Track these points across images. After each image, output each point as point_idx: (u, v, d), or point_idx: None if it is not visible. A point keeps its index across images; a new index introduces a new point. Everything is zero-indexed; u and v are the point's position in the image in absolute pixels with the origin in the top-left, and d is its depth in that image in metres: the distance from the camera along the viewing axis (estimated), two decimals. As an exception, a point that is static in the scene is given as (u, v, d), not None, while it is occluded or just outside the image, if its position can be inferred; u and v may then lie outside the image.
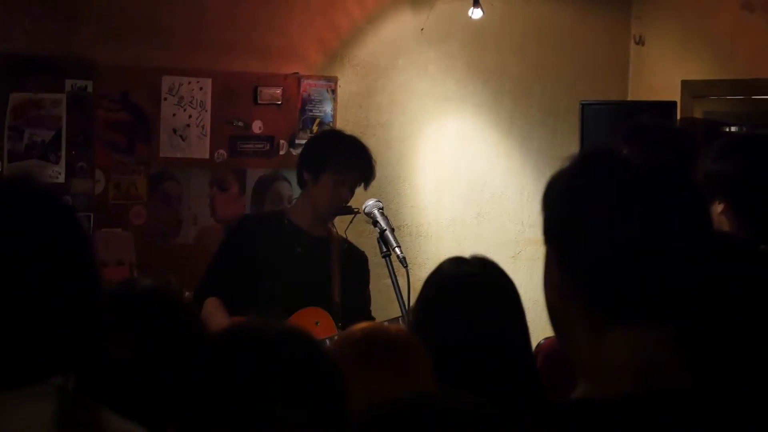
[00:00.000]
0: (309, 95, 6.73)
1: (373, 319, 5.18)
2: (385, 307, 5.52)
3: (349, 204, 5.19)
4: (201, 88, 6.42)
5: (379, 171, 6.15)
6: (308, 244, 5.16)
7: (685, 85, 7.39)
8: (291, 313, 4.99)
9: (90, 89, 6.11)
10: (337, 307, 5.12)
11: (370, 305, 5.29)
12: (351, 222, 5.23)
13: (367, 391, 2.43)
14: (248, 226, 5.30)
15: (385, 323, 4.89)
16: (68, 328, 1.84)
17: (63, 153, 6.04)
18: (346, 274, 5.17)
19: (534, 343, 3.42)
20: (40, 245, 1.85)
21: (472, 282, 3.05)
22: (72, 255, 1.88)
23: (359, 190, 5.23)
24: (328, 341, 4.87)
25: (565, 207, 1.68)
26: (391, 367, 2.55)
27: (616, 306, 1.63)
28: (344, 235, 5.30)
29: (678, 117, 6.93)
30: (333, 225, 5.34)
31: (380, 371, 2.53)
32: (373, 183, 6.84)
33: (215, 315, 4.94)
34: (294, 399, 1.93)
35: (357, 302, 5.17)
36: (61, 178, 6.02)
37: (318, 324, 5.01)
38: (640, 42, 7.77)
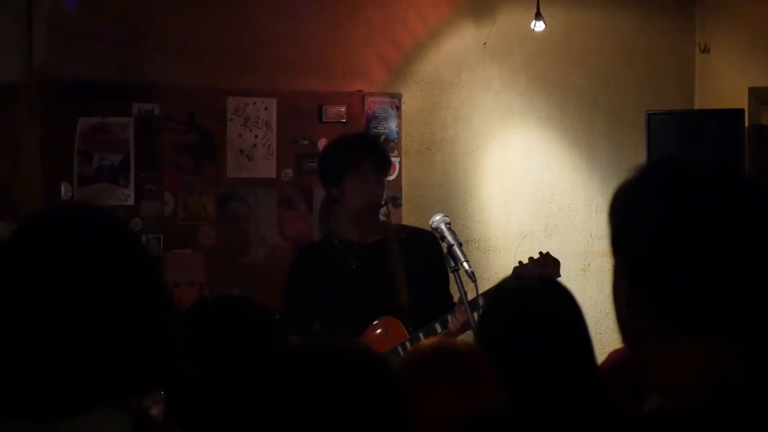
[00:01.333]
0: (373, 112, 6.74)
1: (452, 301, 5.13)
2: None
3: (382, 198, 5.17)
4: (266, 108, 6.46)
5: (445, 186, 6.19)
6: (362, 254, 5.15)
7: (753, 92, 7.32)
8: (364, 329, 4.99)
9: (156, 112, 6.17)
10: (406, 309, 5.08)
11: (447, 285, 5.15)
12: (387, 215, 5.22)
13: (437, 408, 2.43)
14: (303, 258, 5.30)
15: (436, 325, 4.91)
16: (140, 350, 1.86)
17: (132, 176, 6.10)
18: (410, 268, 5.11)
19: (605, 355, 3.41)
20: (108, 269, 1.87)
21: (534, 296, 3.05)
22: (139, 278, 1.90)
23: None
24: (399, 348, 4.88)
25: (631, 218, 1.67)
26: (460, 384, 2.55)
27: (687, 317, 1.61)
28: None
29: (746, 125, 6.87)
30: (388, 219, 5.32)
31: (449, 388, 2.53)
32: (440, 198, 6.86)
33: None
34: (356, 418, 1.94)
35: (428, 294, 5.11)
36: (131, 201, 6.07)
37: (389, 333, 5.01)
38: (706, 50, 7.71)
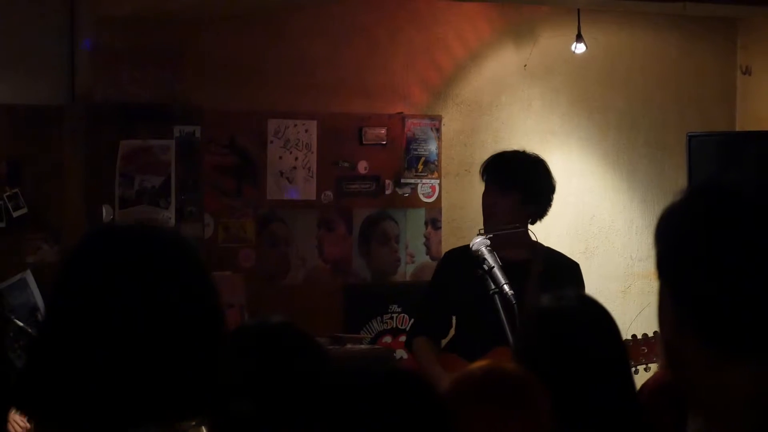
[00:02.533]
0: (413, 134, 6.75)
1: None
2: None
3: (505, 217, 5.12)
4: (306, 130, 6.48)
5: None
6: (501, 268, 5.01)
7: (794, 114, 7.28)
8: (486, 351, 4.83)
9: (197, 134, 6.21)
10: None
11: None
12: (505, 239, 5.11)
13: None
14: (447, 261, 5.30)
15: None
16: (196, 372, 1.87)
17: (173, 198, 6.13)
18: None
19: (645, 378, 3.39)
20: (172, 289, 1.89)
21: (572, 316, 3.03)
22: (200, 299, 1.92)
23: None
24: None
25: (678, 242, 1.66)
26: (512, 408, 2.53)
27: (737, 341, 1.60)
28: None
29: (788, 146, 6.83)
30: (540, 244, 5.22)
31: (501, 412, 2.52)
32: (480, 220, 6.82)
33: (421, 355, 5.00)
34: None
35: None
36: (172, 223, 6.11)
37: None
38: (747, 72, 7.68)
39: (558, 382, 2.84)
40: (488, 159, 5.29)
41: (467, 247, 5.45)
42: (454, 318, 5.17)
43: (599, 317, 3.06)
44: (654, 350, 5.00)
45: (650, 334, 5.03)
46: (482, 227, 5.09)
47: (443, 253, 5.49)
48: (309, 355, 2.57)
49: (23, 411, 1.92)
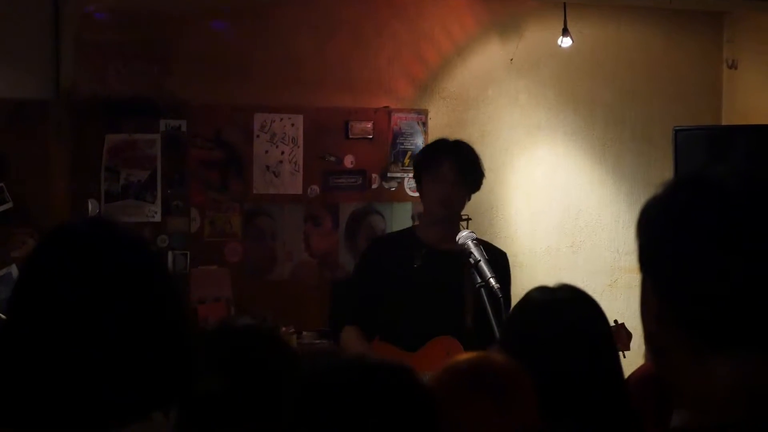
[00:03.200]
0: (400, 128, 6.75)
1: None
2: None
3: (455, 207, 5.09)
4: (293, 125, 6.47)
5: (471, 202, 6.12)
6: (428, 256, 5.05)
7: (781, 108, 7.29)
8: (424, 337, 4.90)
9: (183, 129, 6.20)
10: (469, 333, 4.97)
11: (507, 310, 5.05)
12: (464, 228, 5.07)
13: (474, 424, 2.42)
14: (375, 247, 5.27)
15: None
16: (160, 365, 1.87)
17: (159, 192, 6.12)
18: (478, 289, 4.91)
19: (631, 370, 3.39)
20: (128, 284, 1.88)
21: (560, 309, 3.03)
22: (160, 294, 1.91)
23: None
24: None
25: (660, 234, 1.66)
26: (498, 402, 2.53)
27: (719, 333, 1.60)
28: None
29: (774, 140, 6.84)
30: (471, 234, 5.18)
31: (487, 406, 2.51)
32: (466, 214, 6.83)
33: (351, 344, 4.92)
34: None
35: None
36: (158, 217, 6.10)
37: (449, 354, 4.94)
38: (733, 66, 7.68)
39: (546, 373, 2.84)
40: (448, 149, 5.12)
41: (395, 234, 5.48)
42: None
43: (587, 308, 3.06)
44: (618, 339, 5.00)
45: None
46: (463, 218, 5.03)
47: (369, 241, 5.43)
48: (278, 355, 2.57)
49: None
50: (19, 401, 1.84)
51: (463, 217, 5.12)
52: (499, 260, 5.04)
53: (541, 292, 3.08)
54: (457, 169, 5.04)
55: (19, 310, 1.91)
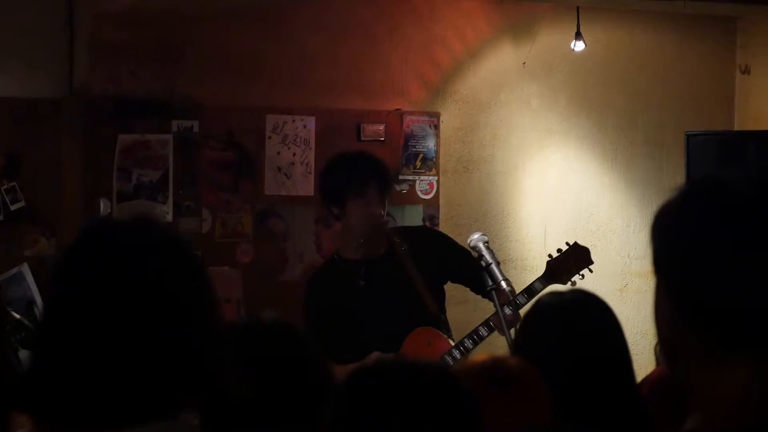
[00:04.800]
0: (412, 131, 6.75)
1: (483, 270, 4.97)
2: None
3: (384, 217, 5.09)
4: (305, 126, 6.47)
5: (482, 205, 6.17)
6: (367, 271, 5.06)
7: (793, 113, 7.28)
8: (396, 342, 4.91)
9: (196, 129, 6.20)
10: (437, 316, 5.01)
11: (471, 261, 4.87)
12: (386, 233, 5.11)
13: (489, 422, 2.42)
14: (312, 287, 5.22)
15: (482, 328, 4.86)
16: (190, 363, 1.87)
17: (170, 192, 6.12)
18: (425, 272, 5.02)
19: (642, 375, 3.39)
20: (168, 284, 1.89)
21: (574, 312, 3.04)
22: (193, 292, 1.92)
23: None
24: (448, 357, 4.84)
25: (674, 239, 1.66)
26: (513, 401, 2.54)
27: (733, 337, 1.60)
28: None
29: (786, 146, 6.83)
30: (387, 230, 5.19)
31: (502, 406, 2.52)
32: (478, 217, 6.85)
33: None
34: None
35: (470, 277, 4.99)
36: (169, 218, 6.10)
37: (431, 343, 4.96)
38: (746, 71, 7.67)
39: (559, 376, 2.85)
40: (368, 169, 5.05)
41: (325, 267, 5.37)
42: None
43: (600, 312, 3.07)
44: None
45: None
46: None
47: (308, 283, 5.33)
48: (304, 355, 2.57)
49: (26, 412, 1.92)
50: (49, 396, 1.85)
51: (387, 223, 5.14)
52: (421, 238, 5.13)
53: (554, 296, 3.10)
54: (382, 187, 5.02)
55: (55, 307, 1.91)
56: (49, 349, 1.88)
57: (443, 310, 5.10)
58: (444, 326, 5.06)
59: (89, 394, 1.83)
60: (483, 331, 4.90)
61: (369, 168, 5.05)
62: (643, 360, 5.96)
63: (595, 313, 3.05)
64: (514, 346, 3.23)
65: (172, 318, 1.87)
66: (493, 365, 2.66)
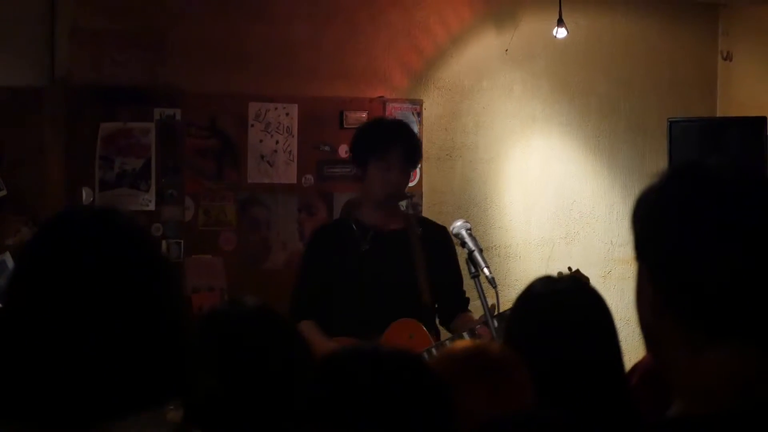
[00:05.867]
0: (394, 118, 6.74)
1: (467, 300, 5.11)
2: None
3: (405, 189, 5.12)
4: (287, 114, 6.46)
5: (465, 192, 6.16)
6: (374, 238, 5.04)
7: (775, 100, 7.29)
8: (383, 321, 4.87)
9: (178, 117, 6.18)
10: (427, 308, 5.01)
11: (461, 284, 5.11)
12: (406, 207, 5.14)
13: (470, 411, 2.42)
14: (318, 237, 5.21)
15: (465, 334, 4.86)
16: (158, 357, 1.86)
17: (153, 181, 6.11)
18: (431, 265, 5.02)
19: (629, 363, 3.40)
20: (127, 274, 1.87)
21: (563, 298, 3.04)
22: (159, 284, 1.90)
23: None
24: (426, 354, 4.83)
25: (655, 223, 1.66)
26: (494, 387, 2.54)
27: (714, 323, 1.61)
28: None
29: (767, 132, 6.85)
30: (408, 211, 5.22)
31: (483, 391, 2.52)
32: (461, 204, 6.85)
33: (316, 341, 4.70)
34: (406, 418, 1.95)
35: (449, 294, 5.07)
36: (152, 206, 6.09)
37: (412, 337, 4.95)
38: (728, 58, 7.69)
39: (547, 361, 2.85)
40: (396, 134, 5.09)
41: (337, 221, 5.45)
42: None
43: (590, 298, 3.08)
44: None
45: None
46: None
47: (313, 232, 5.38)
48: (285, 339, 2.57)
49: None
50: (13, 394, 1.83)
51: (407, 195, 5.17)
52: (438, 236, 5.12)
53: (544, 282, 3.10)
54: (406, 155, 5.03)
55: (15, 300, 1.89)
56: (9, 342, 1.86)
57: (434, 304, 5.07)
58: (430, 320, 5.05)
59: (52, 389, 1.81)
60: (466, 336, 4.89)
61: (397, 134, 5.07)
62: (627, 347, 5.98)
63: (583, 299, 3.06)
64: (505, 330, 3.23)
65: (131, 308, 1.85)
66: (476, 351, 2.67)
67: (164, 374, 1.86)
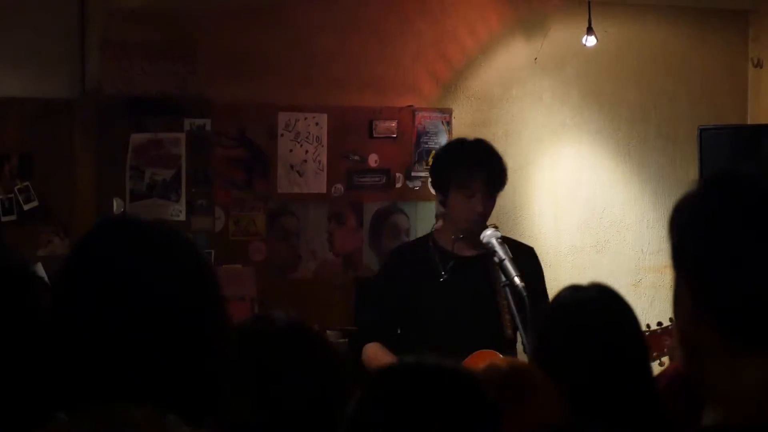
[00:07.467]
0: (424, 127, 6.74)
1: None
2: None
3: (488, 216, 4.82)
4: (317, 124, 6.47)
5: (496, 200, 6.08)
6: (454, 266, 4.82)
7: (806, 107, 7.25)
8: (460, 354, 4.51)
9: (208, 127, 6.20)
10: (510, 343, 4.74)
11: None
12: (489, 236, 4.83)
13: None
14: (397, 256, 5.04)
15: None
16: (191, 369, 1.85)
17: (183, 191, 6.13)
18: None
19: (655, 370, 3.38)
20: (170, 283, 1.87)
21: (590, 308, 3.03)
22: (202, 294, 1.90)
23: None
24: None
25: (694, 233, 1.65)
26: (527, 407, 2.52)
27: (753, 333, 1.59)
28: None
29: (800, 139, 6.81)
30: (493, 241, 4.69)
31: (518, 409, 2.50)
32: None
33: (377, 359, 4.62)
34: None
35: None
36: (182, 216, 6.11)
37: None
38: (759, 65, 7.65)
39: (575, 373, 2.84)
40: (480, 162, 4.80)
41: (416, 242, 5.23)
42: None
43: (617, 307, 3.06)
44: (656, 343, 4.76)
45: (666, 323, 4.78)
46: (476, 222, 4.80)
47: (392, 251, 5.18)
48: (323, 360, 2.50)
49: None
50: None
51: (488, 225, 4.78)
52: (526, 257, 4.88)
53: (571, 291, 3.09)
54: (489, 179, 4.81)
55: (63, 306, 1.89)
56: (58, 345, 1.86)
57: (515, 338, 4.78)
58: (512, 353, 4.76)
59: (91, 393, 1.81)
60: None
61: (479, 159, 4.83)
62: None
63: (613, 311, 3.04)
64: (532, 341, 3.22)
65: (177, 319, 1.85)
66: (511, 371, 2.64)
67: (200, 393, 1.86)
